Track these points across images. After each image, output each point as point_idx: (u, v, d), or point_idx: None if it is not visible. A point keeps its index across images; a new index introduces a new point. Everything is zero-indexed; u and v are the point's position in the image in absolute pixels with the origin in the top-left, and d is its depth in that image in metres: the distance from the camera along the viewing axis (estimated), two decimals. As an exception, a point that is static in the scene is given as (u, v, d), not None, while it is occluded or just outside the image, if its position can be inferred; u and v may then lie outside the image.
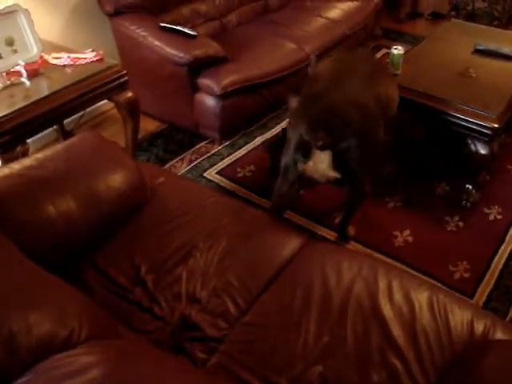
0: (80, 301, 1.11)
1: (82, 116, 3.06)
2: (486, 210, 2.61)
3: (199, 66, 2.82)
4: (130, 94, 2.49)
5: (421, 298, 1.54)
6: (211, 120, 2.95)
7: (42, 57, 2.38)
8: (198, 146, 3.07)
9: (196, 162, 2.94)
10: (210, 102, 2.89)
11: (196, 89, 2.92)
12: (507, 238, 2.46)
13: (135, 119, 2.61)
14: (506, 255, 2.37)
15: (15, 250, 1.18)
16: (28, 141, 2.17)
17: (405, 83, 2.57)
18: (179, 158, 2.98)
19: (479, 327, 1.45)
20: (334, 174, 1.96)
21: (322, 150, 1.88)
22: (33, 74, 2.30)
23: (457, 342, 1.43)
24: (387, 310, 1.50)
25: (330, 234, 2.48)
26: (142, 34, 2.87)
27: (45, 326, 0.96)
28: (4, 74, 2.25)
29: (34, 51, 2.35)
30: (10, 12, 2.24)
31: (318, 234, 2.48)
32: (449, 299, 1.55)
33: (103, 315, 1.12)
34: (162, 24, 2.89)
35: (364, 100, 2.02)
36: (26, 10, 2.27)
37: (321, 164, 1.93)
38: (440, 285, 2.11)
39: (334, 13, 3.75)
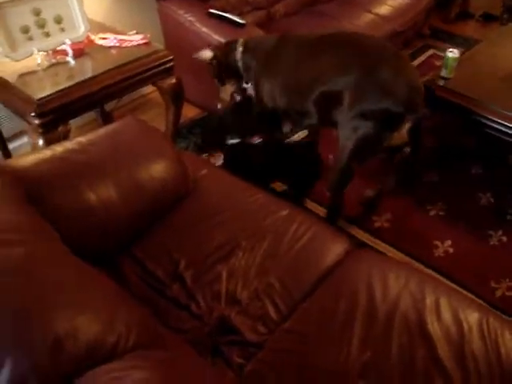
0: (128, 305, 1.05)
1: (121, 98, 3.03)
2: (533, 225, 2.50)
3: (245, 56, 2.75)
4: (174, 80, 2.44)
5: (470, 318, 1.46)
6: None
7: (88, 37, 2.34)
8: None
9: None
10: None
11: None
12: (553, 256, 2.35)
13: (178, 105, 2.56)
14: (551, 274, 2.26)
15: (62, 245, 1.13)
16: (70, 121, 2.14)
17: (457, 88, 2.47)
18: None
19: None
20: (406, 139, 2.11)
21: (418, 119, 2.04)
22: (78, 53, 2.26)
23: (507, 369, 1.35)
24: (434, 329, 1.43)
25: (370, 240, 2.41)
26: (189, 19, 2.82)
27: (92, 331, 0.90)
28: (50, 52, 2.21)
29: (81, 30, 2.31)
30: (62, -10, 2.20)
31: (356, 237, 2.41)
32: (499, 323, 1.46)
33: (150, 321, 1.07)
34: (211, 10, 2.83)
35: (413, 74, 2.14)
36: (76, -13, 2.23)
37: (402, 131, 2.05)
38: (481, 302, 2.02)
39: (384, 9, 3.65)
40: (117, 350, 0.90)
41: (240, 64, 2.42)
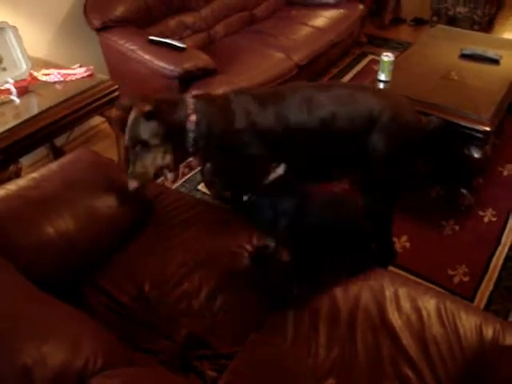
0: (93, 329, 1.07)
1: (71, 132, 3.03)
2: (481, 213, 2.63)
3: (189, 79, 2.80)
4: (121, 109, 2.46)
5: (428, 305, 1.54)
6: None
7: (31, 74, 2.35)
8: (190, 159, 3.05)
9: (189, 175, 2.92)
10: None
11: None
12: (503, 239, 2.48)
13: (128, 134, 2.57)
14: (503, 257, 2.38)
15: (20, 277, 1.15)
16: (20, 159, 2.14)
17: (397, 90, 2.57)
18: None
19: (489, 332, 1.46)
20: None
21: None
22: (22, 91, 2.27)
23: (468, 348, 1.43)
24: (396, 320, 1.50)
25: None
26: (130, 47, 2.85)
27: (59, 357, 0.92)
28: (-6, 92, 2.21)
29: (23, 68, 2.32)
30: (-1, 30, 2.21)
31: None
32: (456, 305, 1.55)
33: (117, 343, 1.09)
34: (151, 37, 2.87)
35: None
36: (14, 27, 2.24)
37: None
38: (441, 289, 2.11)
39: (320, 21, 3.77)
40: (85, 373, 0.92)
41: (192, 136, 1.76)
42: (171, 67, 2.74)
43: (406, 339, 1.45)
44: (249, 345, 1.44)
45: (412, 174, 2.25)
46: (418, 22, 4.87)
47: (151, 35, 2.91)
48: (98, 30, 2.94)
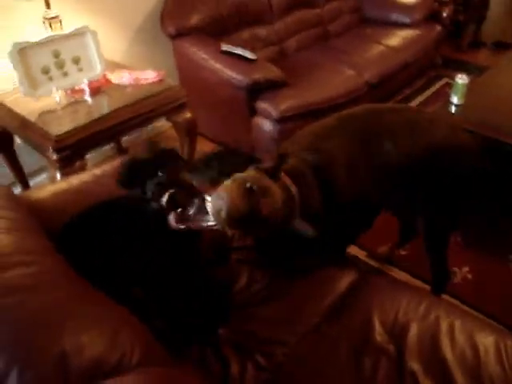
0: (132, 324, 1.08)
1: (139, 134, 3.11)
2: (554, 250, 2.46)
3: (258, 90, 2.82)
4: (188, 115, 2.50)
5: (486, 341, 1.43)
6: (268, 144, 2.92)
7: (105, 75, 2.43)
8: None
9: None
10: (267, 125, 2.87)
11: (254, 112, 2.91)
12: None
13: (192, 140, 2.62)
14: None
15: (69, 268, 1.17)
16: (86, 156, 2.21)
17: (469, 115, 2.47)
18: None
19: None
20: None
21: None
22: (95, 91, 2.35)
23: (526, 392, 1.32)
24: (449, 353, 1.41)
25: (387, 267, 2.39)
26: (202, 56, 2.90)
27: (97, 348, 0.93)
28: (69, 90, 2.30)
29: (98, 70, 2.40)
30: (80, 33, 2.31)
31: (371, 265, 2.39)
32: (517, 345, 1.44)
33: (153, 340, 1.08)
34: (223, 47, 2.91)
35: None
36: (94, 31, 2.33)
37: None
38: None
39: (395, 40, 3.70)
40: (120, 366, 0.92)
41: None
42: (240, 77, 2.76)
43: (459, 375, 1.35)
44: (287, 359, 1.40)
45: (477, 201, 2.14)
46: (499, 46, 4.67)
47: (224, 45, 2.95)
48: (173, 38, 3.02)
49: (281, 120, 2.81)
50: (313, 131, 1.67)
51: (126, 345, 0.96)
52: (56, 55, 2.27)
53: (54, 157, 2.05)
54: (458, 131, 1.82)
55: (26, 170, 2.72)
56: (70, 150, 2.08)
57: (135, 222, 1.40)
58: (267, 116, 2.84)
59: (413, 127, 1.70)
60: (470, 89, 2.57)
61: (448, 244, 2.00)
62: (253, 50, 3.21)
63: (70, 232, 1.39)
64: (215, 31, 3.12)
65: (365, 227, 1.81)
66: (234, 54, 2.90)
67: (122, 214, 1.42)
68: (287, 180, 1.43)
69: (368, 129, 1.66)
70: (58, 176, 2.05)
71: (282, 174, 1.42)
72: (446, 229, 1.98)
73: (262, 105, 2.84)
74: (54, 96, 2.25)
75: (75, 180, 1.69)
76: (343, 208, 1.57)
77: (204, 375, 1.19)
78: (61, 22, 2.39)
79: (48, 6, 2.36)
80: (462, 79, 2.55)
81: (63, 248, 1.27)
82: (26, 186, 2.72)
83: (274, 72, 2.88)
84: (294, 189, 1.43)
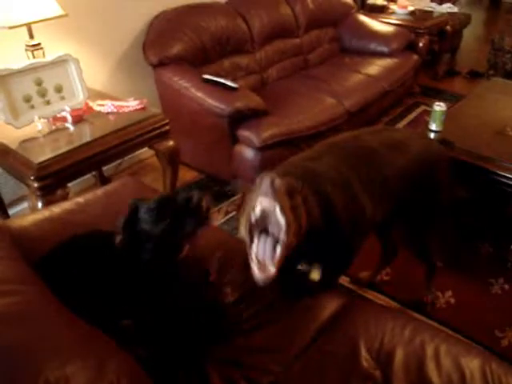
0: (118, 354, 1.06)
1: (120, 163, 3.11)
2: (534, 273, 2.49)
3: (240, 118, 2.84)
4: (171, 143, 2.50)
5: (471, 365, 1.43)
6: (249, 172, 2.93)
7: (87, 104, 2.43)
8: (234, 198, 3.05)
9: (232, 214, 2.92)
10: (249, 153, 2.89)
11: (235, 140, 2.93)
12: (558, 302, 2.33)
13: (175, 168, 2.61)
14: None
15: (54, 299, 1.15)
16: (68, 185, 2.19)
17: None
18: (215, 209, 2.96)
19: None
20: None
21: None
22: (77, 120, 2.34)
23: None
24: (435, 377, 1.41)
25: (370, 293, 2.39)
26: (184, 85, 2.93)
27: (83, 379, 0.91)
28: (51, 119, 2.29)
29: (80, 98, 2.40)
30: (62, 61, 2.31)
31: (353, 290, 2.40)
32: (503, 369, 1.43)
33: (140, 369, 1.06)
34: (204, 76, 2.94)
35: None
36: (76, 59, 2.33)
37: None
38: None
39: (373, 69, 3.79)
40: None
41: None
42: (222, 106, 2.79)
43: (446, 399, 1.35)
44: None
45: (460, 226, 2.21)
46: (474, 75, 4.83)
47: (206, 74, 2.98)
48: (154, 66, 3.05)
49: (262, 148, 2.83)
50: (304, 156, 1.74)
51: (112, 376, 0.94)
52: (38, 83, 2.27)
53: (36, 185, 2.03)
54: (431, 143, 2.05)
55: (6, 199, 2.68)
56: (52, 179, 2.06)
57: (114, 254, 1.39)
58: (249, 144, 2.86)
59: (393, 145, 1.83)
60: (447, 116, 2.63)
61: (427, 236, 2.14)
62: (234, 78, 3.25)
63: (49, 262, 1.37)
64: (197, 60, 3.16)
65: (358, 250, 1.83)
66: (216, 82, 2.93)
67: (102, 246, 1.41)
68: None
69: (354, 153, 1.75)
70: (40, 205, 2.03)
71: None
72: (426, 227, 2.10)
73: (244, 133, 2.87)
74: (36, 124, 2.23)
75: (57, 209, 1.67)
76: (342, 228, 1.60)
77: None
78: (43, 50, 2.40)
79: (31, 36, 2.37)
80: (439, 106, 2.60)
81: (44, 278, 1.25)
82: (5, 215, 2.68)
83: (255, 100, 2.91)
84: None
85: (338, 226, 1.58)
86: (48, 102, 2.31)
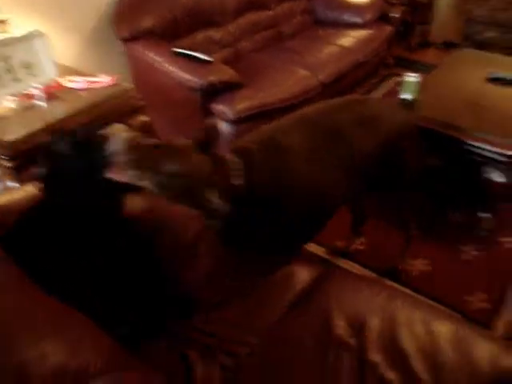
0: (95, 332, 1.06)
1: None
2: (502, 239, 2.57)
3: (213, 92, 2.82)
4: (144, 118, 2.48)
5: (443, 330, 1.49)
6: (224, 145, 2.92)
7: (57, 80, 2.38)
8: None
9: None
10: (223, 127, 2.88)
11: (209, 114, 2.91)
12: (525, 266, 2.41)
13: (149, 143, 2.59)
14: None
15: (28, 279, 1.14)
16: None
17: (422, 111, 2.54)
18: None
19: (505, 362, 1.40)
20: None
21: None
22: (49, 97, 2.30)
23: (482, 377, 1.37)
24: (408, 343, 1.45)
25: (345, 262, 2.44)
26: (156, 59, 2.89)
27: (59, 357, 0.92)
28: (22, 96, 2.25)
29: (50, 74, 2.35)
30: (29, 37, 2.26)
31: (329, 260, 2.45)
32: (471, 332, 1.50)
33: (117, 345, 1.07)
34: (177, 49, 2.90)
35: None
36: (44, 34, 2.28)
37: None
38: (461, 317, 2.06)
39: (347, 41, 3.77)
40: (84, 374, 0.91)
41: None
42: (195, 79, 2.76)
43: (418, 364, 1.40)
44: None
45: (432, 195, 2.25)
46: (448, 46, 4.83)
47: (178, 48, 2.94)
48: (125, 41, 2.99)
49: (237, 121, 2.82)
50: (272, 128, 1.73)
51: (88, 352, 0.95)
52: (5, 60, 2.22)
53: (8, 164, 2.00)
54: (402, 116, 2.02)
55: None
56: (24, 157, 2.03)
57: (87, 223, 1.38)
58: (223, 117, 2.85)
59: (364, 123, 1.81)
60: (421, 87, 2.64)
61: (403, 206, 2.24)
62: (208, 52, 3.21)
63: (17, 234, 1.34)
64: (169, 34, 3.11)
65: (320, 226, 1.85)
66: (189, 55, 2.90)
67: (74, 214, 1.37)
68: (229, 156, 1.55)
69: (324, 131, 1.74)
70: (12, 184, 2.00)
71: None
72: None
73: (218, 106, 2.85)
74: (6, 102, 2.19)
75: (31, 188, 1.65)
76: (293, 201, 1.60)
77: (168, 376, 1.19)
78: (10, 25, 2.34)
79: (-4, 11, 2.32)
80: (410, 77, 2.61)
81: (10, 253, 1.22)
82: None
83: (228, 73, 2.89)
84: (235, 163, 1.53)
85: (294, 200, 1.60)
86: (17, 80, 2.26)
